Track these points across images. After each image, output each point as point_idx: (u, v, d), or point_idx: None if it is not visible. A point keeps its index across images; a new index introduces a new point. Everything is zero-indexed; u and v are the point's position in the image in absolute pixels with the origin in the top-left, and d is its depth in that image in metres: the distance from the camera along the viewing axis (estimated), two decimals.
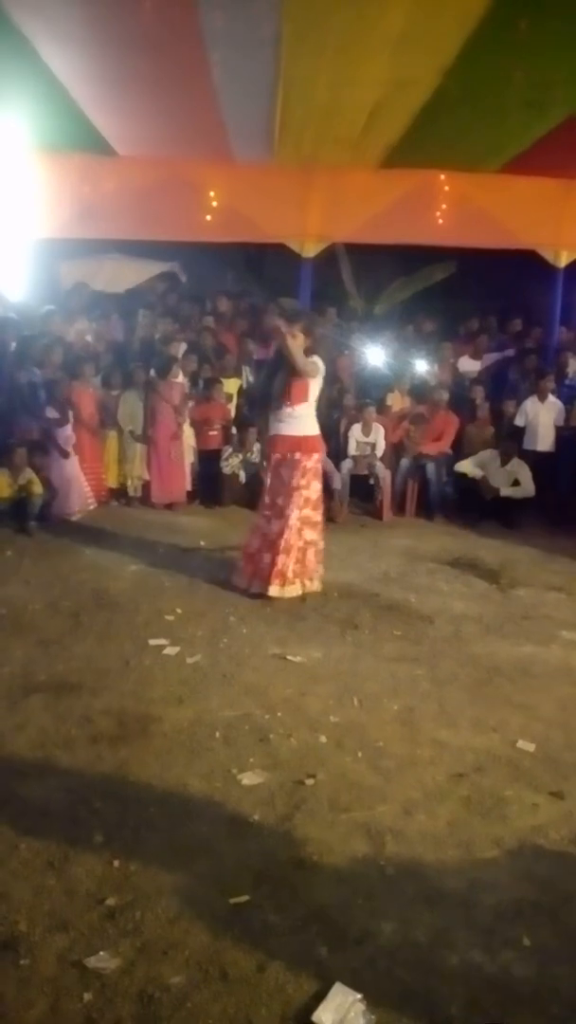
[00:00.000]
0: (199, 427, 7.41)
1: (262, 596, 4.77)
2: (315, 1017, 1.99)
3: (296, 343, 4.69)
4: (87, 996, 2.03)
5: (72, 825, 2.67)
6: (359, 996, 2.05)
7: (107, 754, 3.10)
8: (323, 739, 3.28)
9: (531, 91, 5.04)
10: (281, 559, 4.76)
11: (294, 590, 4.84)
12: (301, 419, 4.88)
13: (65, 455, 6.60)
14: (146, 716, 3.39)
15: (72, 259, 9.07)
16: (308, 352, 4.78)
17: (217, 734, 3.28)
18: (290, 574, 4.80)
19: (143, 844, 2.59)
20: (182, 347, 7.85)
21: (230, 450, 7.29)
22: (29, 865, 2.49)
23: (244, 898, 2.37)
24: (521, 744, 3.32)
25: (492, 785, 3.01)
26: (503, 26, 4.28)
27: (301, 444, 4.87)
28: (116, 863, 2.49)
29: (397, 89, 5.13)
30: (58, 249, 8.68)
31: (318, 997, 2.05)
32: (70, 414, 6.71)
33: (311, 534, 4.94)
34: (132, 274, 9.80)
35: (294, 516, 4.80)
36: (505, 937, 2.27)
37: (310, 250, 7.53)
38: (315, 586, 4.99)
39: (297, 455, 4.86)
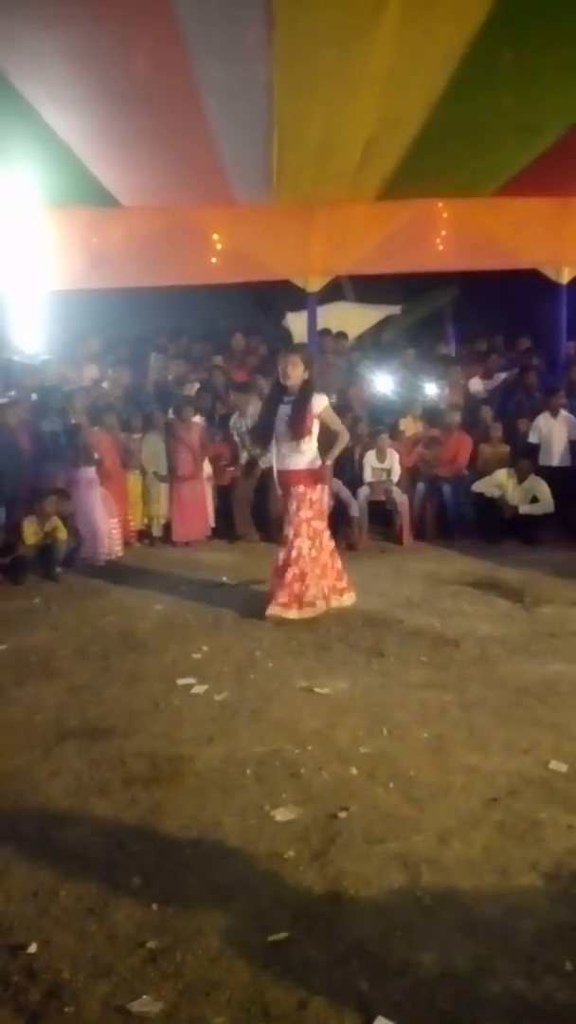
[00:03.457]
0: (215, 463, 7.54)
1: (281, 620, 4.95)
2: None
3: (296, 371, 4.84)
4: None
5: (110, 870, 2.71)
6: None
7: (141, 796, 3.14)
8: (354, 771, 3.29)
9: (521, 115, 5.14)
10: (297, 585, 5.00)
11: (311, 611, 5.05)
12: (305, 453, 5.02)
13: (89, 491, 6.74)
14: (178, 757, 3.43)
15: (298, 310, 9.28)
16: (307, 385, 4.92)
17: (248, 771, 3.30)
18: (309, 596, 5.04)
19: (181, 886, 2.62)
20: (195, 387, 8.02)
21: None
22: (70, 912, 2.52)
23: (283, 935, 2.39)
24: (554, 765, 3.30)
25: (526, 808, 3.00)
26: (488, 58, 4.41)
27: (305, 477, 5.03)
28: (155, 906, 2.52)
29: (388, 126, 5.26)
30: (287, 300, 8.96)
31: None
32: (94, 457, 6.85)
33: (323, 553, 5.15)
34: (358, 319, 10.10)
35: (305, 546, 5.02)
36: (546, 963, 2.25)
37: (314, 284, 7.67)
38: (343, 601, 5.24)
39: (301, 488, 5.00)
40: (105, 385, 8.14)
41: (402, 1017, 2.08)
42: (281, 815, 2.99)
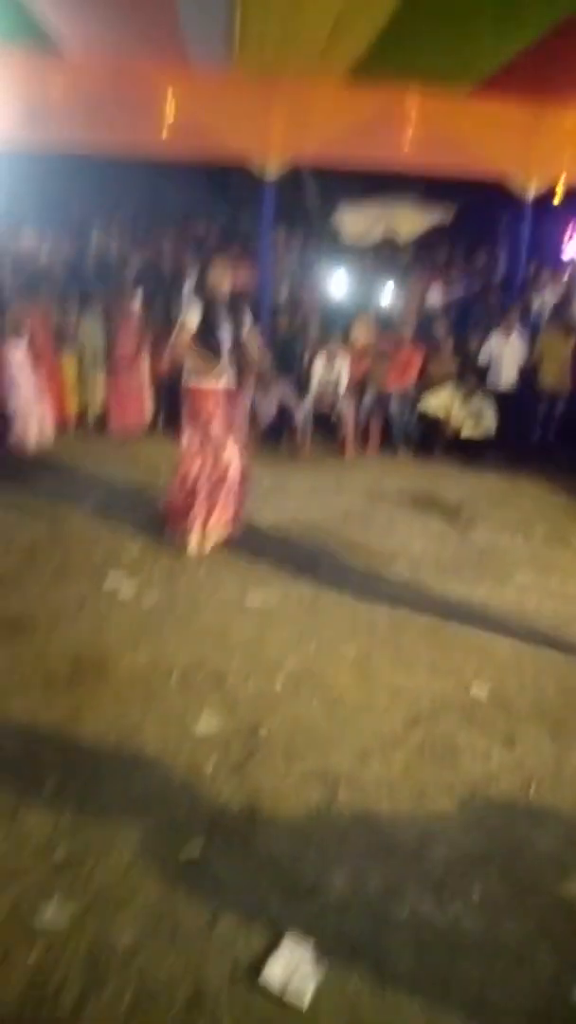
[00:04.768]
0: (157, 353, 7.11)
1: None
2: (265, 970, 1.99)
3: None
4: (36, 951, 2.00)
5: (23, 773, 2.62)
6: (308, 949, 2.05)
7: (61, 699, 3.03)
8: (279, 685, 3.25)
9: (502, 7, 4.73)
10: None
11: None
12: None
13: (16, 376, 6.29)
14: (101, 660, 3.32)
15: (356, 209, 8.46)
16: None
17: (172, 680, 3.22)
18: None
19: (96, 794, 2.55)
20: (137, 268, 7.49)
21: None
22: None
23: (196, 851, 2.35)
24: (475, 689, 3.33)
25: (446, 732, 3.02)
26: None
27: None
28: (67, 814, 2.45)
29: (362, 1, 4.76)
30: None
31: (269, 950, 2.06)
32: (22, 332, 6.36)
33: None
34: (415, 223, 9.38)
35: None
36: (455, 890, 2.29)
37: (272, 172, 7.12)
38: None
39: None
40: (43, 254, 7.50)
41: (310, 937, 2.09)
42: (203, 727, 2.94)
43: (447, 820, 2.57)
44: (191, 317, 4.38)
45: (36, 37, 6.13)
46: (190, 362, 4.47)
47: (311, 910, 2.19)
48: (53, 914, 2.11)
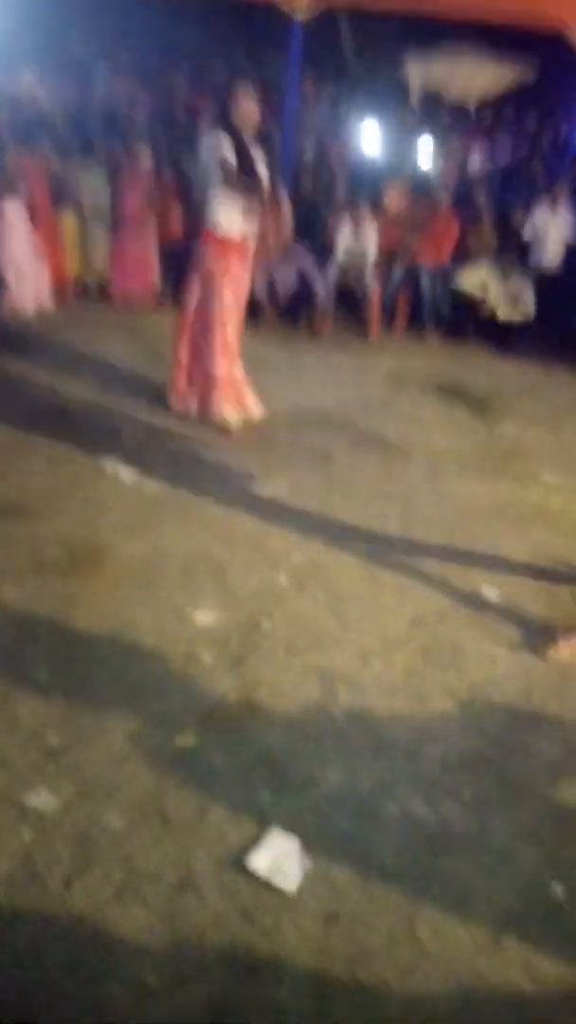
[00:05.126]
0: (167, 212, 6.63)
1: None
2: (250, 860, 2.01)
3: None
4: (26, 833, 2.03)
5: (16, 660, 2.60)
6: (296, 841, 2.06)
7: (56, 585, 2.98)
8: (283, 579, 3.18)
9: None
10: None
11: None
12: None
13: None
14: (98, 547, 3.25)
15: (424, 60, 7.70)
16: None
17: (172, 569, 3.15)
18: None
19: (89, 682, 2.53)
20: (147, 115, 6.87)
21: None
22: None
23: (190, 740, 2.35)
24: (485, 591, 3.25)
25: (451, 634, 2.96)
26: None
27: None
28: (60, 703, 2.44)
29: None
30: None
31: (258, 840, 2.07)
32: (17, 186, 5.90)
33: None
34: (492, 80, 8.52)
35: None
36: (447, 789, 2.28)
37: (301, 10, 6.40)
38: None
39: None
40: (42, 98, 6.86)
41: (299, 830, 2.09)
42: (202, 618, 2.89)
43: (445, 722, 2.54)
44: (224, 150, 3.97)
45: None
46: (225, 201, 4.08)
47: (302, 804, 2.19)
48: (45, 797, 2.13)
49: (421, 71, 8.13)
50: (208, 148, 4.05)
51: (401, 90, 9.08)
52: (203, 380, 4.47)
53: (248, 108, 4.02)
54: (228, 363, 4.45)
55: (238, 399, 4.53)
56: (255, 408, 4.60)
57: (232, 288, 4.32)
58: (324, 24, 7.29)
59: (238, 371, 4.52)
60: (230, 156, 3.99)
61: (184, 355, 4.50)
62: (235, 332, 4.45)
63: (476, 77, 8.66)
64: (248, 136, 4.07)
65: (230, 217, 4.14)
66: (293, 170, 6.94)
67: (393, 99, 8.84)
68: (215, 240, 4.22)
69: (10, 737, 2.30)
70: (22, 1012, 1.66)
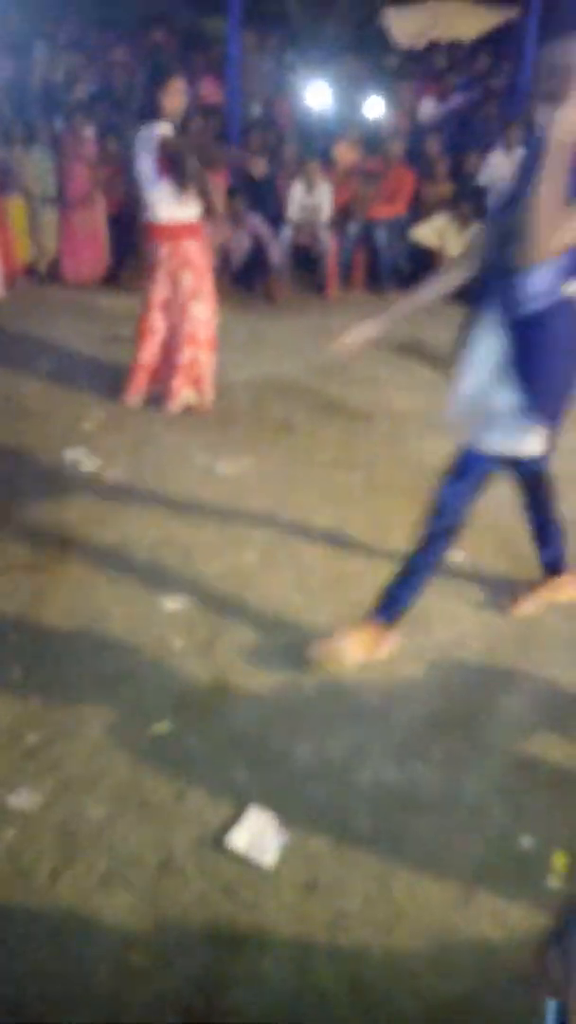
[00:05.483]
0: (114, 189, 6.53)
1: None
2: (229, 839, 2.07)
3: None
4: (9, 832, 2.08)
5: None
6: (273, 816, 2.13)
7: (23, 582, 3.00)
8: (250, 558, 3.21)
9: None
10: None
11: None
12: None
13: None
14: (64, 540, 3.26)
15: (402, 8, 7.43)
16: None
17: (139, 558, 3.18)
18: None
19: (63, 677, 2.57)
20: (89, 91, 6.73)
21: None
22: None
23: (165, 726, 2.40)
24: (451, 554, 3.29)
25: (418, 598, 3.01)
26: None
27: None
28: (35, 700, 2.48)
29: None
30: None
31: (236, 819, 2.13)
32: None
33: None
34: (480, 21, 8.23)
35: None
36: (416, 750, 2.35)
37: None
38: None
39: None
40: None
41: (275, 805, 2.16)
42: (171, 604, 2.93)
43: (414, 683, 2.60)
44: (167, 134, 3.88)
45: None
46: (166, 189, 4.00)
47: (278, 779, 2.25)
48: (26, 796, 2.18)
49: (398, 19, 7.93)
50: (146, 141, 3.96)
51: (376, 38, 8.83)
52: (166, 370, 4.42)
53: (174, 97, 3.92)
54: (194, 350, 4.38)
55: (196, 382, 4.48)
56: (209, 393, 4.51)
57: (193, 273, 4.23)
58: None
59: (205, 357, 4.43)
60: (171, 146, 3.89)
61: (147, 356, 4.41)
62: (207, 318, 4.35)
63: (463, 21, 8.46)
64: (175, 121, 3.98)
65: (172, 204, 4.05)
66: (240, 130, 6.81)
67: (355, 48, 8.59)
68: (161, 230, 4.14)
69: None
70: (14, 1002, 1.72)
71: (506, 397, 2.38)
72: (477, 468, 2.53)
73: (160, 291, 4.25)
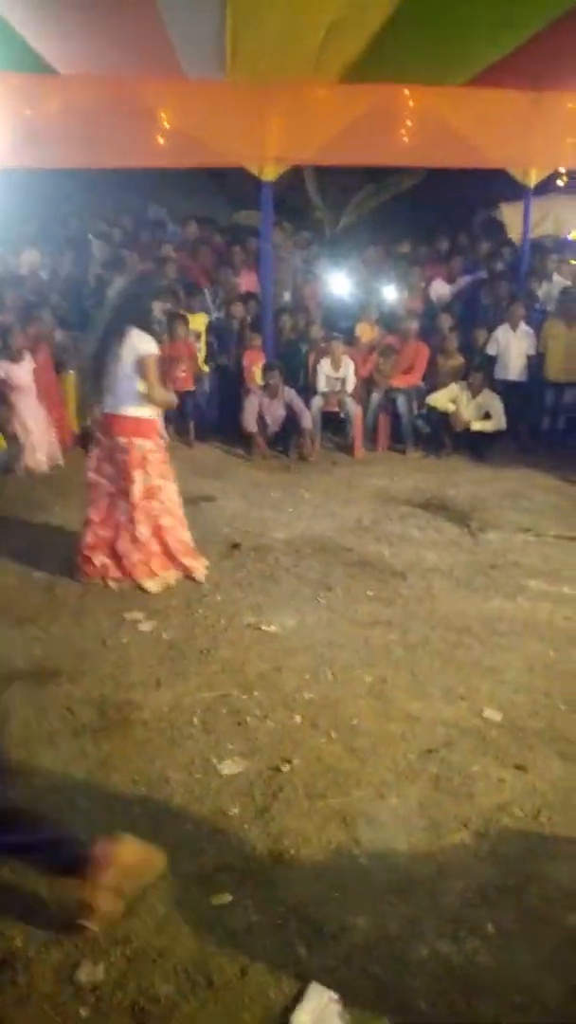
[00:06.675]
0: (166, 368, 7.23)
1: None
2: (293, 1020, 2.14)
3: None
4: (83, 1012, 2.17)
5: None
6: (335, 995, 2.20)
7: (90, 748, 3.19)
8: (298, 719, 3.38)
9: (494, 10, 4.71)
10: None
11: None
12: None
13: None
14: (126, 703, 3.47)
15: (511, 202, 8.43)
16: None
17: (195, 719, 3.37)
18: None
19: None
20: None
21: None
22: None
23: (227, 898, 2.51)
24: (488, 713, 3.45)
25: (460, 761, 3.15)
26: None
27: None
28: None
29: (356, 9, 4.75)
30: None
31: (299, 996, 2.21)
32: (24, 357, 6.49)
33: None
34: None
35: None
36: (471, 924, 2.43)
37: (270, 173, 7.13)
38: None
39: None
40: (43, 275, 7.61)
41: (336, 983, 2.23)
42: (227, 768, 3.09)
43: (463, 853, 2.70)
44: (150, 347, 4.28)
45: (30, 60, 6.18)
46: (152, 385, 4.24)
47: (337, 954, 2.34)
48: (96, 972, 2.28)
49: (510, 213, 8.81)
50: (131, 347, 4.25)
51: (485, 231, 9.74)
52: (124, 547, 4.45)
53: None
54: (149, 529, 4.45)
55: (165, 564, 4.55)
56: (198, 567, 4.61)
57: (154, 471, 4.39)
58: (293, 178, 8.04)
59: (180, 535, 4.57)
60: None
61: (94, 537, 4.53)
62: (170, 510, 4.51)
63: (571, 213, 9.39)
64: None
65: (142, 400, 4.28)
66: (273, 313, 7.55)
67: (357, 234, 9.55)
68: (134, 421, 4.33)
69: (61, 913, 2.46)
70: None
71: None
72: None
73: (107, 483, 4.53)
